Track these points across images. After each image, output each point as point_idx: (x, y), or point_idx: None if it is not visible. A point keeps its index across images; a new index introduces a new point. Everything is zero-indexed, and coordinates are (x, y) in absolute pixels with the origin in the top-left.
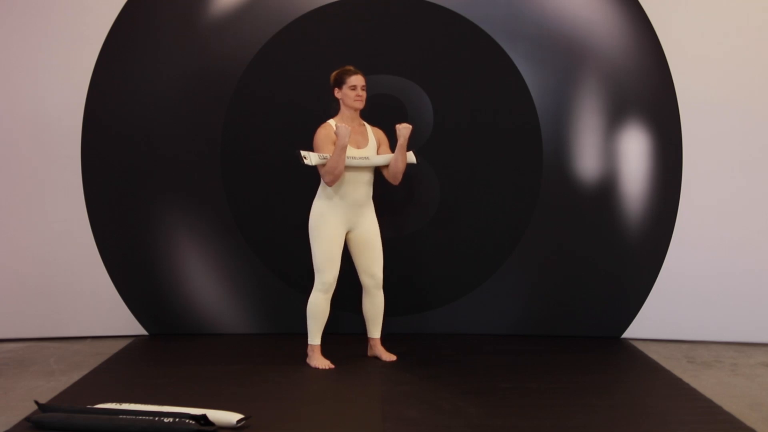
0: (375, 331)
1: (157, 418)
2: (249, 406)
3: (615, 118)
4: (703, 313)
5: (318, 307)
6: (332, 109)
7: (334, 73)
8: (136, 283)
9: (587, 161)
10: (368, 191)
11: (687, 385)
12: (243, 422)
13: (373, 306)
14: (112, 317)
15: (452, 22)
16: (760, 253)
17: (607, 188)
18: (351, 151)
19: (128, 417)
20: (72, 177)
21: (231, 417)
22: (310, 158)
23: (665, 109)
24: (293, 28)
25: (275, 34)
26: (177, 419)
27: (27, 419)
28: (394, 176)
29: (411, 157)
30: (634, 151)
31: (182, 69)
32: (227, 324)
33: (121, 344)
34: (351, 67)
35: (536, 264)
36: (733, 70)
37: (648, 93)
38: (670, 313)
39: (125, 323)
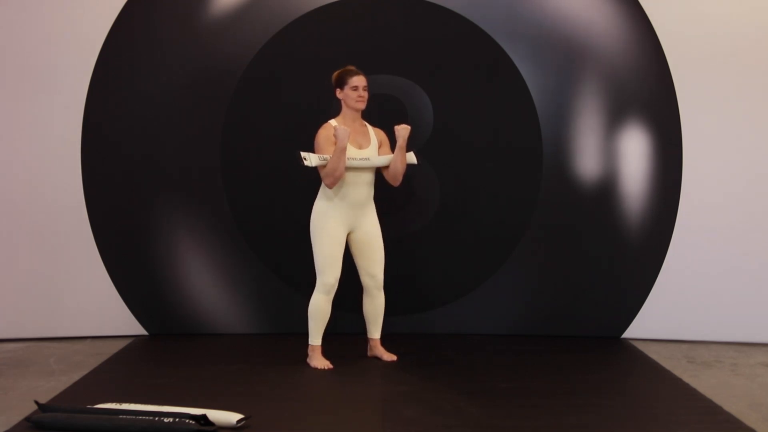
0: (375, 331)
1: (157, 418)
2: (249, 406)
3: (615, 118)
4: (703, 313)
5: (319, 308)
6: (333, 108)
7: (335, 74)
8: (136, 283)
9: (587, 161)
10: (369, 192)
11: (687, 385)
12: (243, 422)
13: (374, 307)
14: (112, 317)
15: (452, 22)
16: (760, 253)
17: (607, 188)
18: (352, 152)
19: (128, 417)
20: (72, 177)
21: (231, 417)
22: (310, 159)
23: (665, 109)
24: (293, 28)
25: (275, 34)
26: (177, 419)
27: (27, 419)
28: (394, 177)
29: (411, 158)
30: (634, 151)
31: (182, 69)
32: (227, 324)
33: (121, 344)
34: (352, 68)
35: (536, 264)
36: (733, 70)
37: (648, 93)
38: (670, 313)
39: (125, 323)
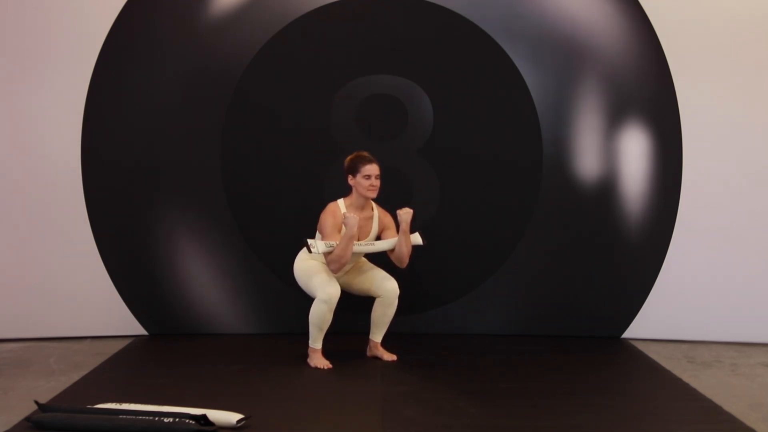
0: (378, 335)
1: (157, 418)
2: (249, 406)
3: (615, 118)
4: (703, 313)
5: (321, 316)
6: (333, 110)
7: (348, 159)
8: (136, 283)
9: (587, 161)
10: (357, 262)
11: (687, 385)
12: (243, 422)
13: (384, 315)
14: (112, 317)
15: (452, 22)
16: (760, 253)
17: (607, 188)
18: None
19: (128, 417)
20: (72, 177)
21: (231, 417)
22: (317, 247)
23: (665, 109)
24: (293, 28)
25: (275, 34)
26: (177, 419)
27: (27, 419)
28: (400, 260)
29: (417, 239)
30: (634, 151)
31: (182, 70)
32: (227, 324)
33: (121, 344)
34: (366, 154)
35: (536, 264)
36: (733, 70)
37: (648, 93)
38: (670, 313)
39: (125, 323)
